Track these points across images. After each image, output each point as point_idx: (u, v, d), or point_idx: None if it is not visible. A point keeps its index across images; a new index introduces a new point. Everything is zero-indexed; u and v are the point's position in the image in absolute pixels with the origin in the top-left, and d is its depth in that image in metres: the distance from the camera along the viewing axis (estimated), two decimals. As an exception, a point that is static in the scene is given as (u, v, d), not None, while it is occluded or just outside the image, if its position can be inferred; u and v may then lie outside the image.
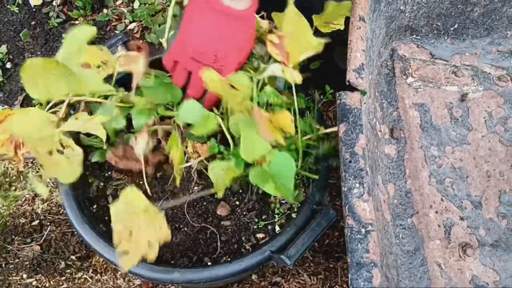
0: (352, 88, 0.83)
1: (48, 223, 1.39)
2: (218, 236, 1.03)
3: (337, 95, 0.82)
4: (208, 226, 1.04)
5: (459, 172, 1.05)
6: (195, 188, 1.07)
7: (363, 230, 0.69)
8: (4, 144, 0.82)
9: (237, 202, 1.07)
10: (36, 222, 1.40)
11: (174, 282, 0.92)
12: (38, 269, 1.34)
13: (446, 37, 1.16)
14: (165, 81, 0.93)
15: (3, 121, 0.77)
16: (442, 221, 1.00)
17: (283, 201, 1.06)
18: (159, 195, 1.08)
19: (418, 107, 1.11)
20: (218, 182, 0.88)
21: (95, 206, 1.06)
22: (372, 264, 0.64)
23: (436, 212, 1.01)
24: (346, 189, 0.73)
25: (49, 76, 0.76)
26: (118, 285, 1.32)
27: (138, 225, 0.80)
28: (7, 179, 1.47)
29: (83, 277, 1.33)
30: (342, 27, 0.95)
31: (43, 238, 1.37)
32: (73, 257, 1.35)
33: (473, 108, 1.12)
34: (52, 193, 1.45)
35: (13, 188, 1.46)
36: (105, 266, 1.34)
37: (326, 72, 1.11)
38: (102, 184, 1.09)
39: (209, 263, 1.01)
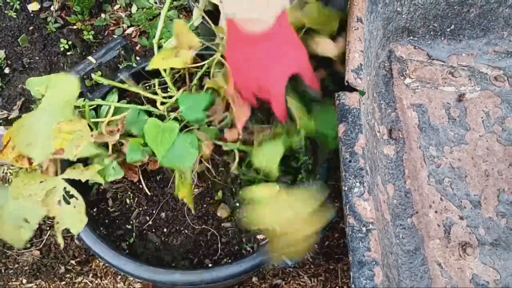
0: (351, 89, 0.84)
1: (48, 228, 1.39)
2: (218, 238, 1.04)
3: (336, 95, 0.83)
4: (209, 228, 1.05)
5: (458, 172, 1.06)
6: (195, 190, 1.07)
7: (364, 228, 0.69)
8: (18, 159, 0.84)
9: (237, 204, 1.07)
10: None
11: (175, 284, 0.92)
12: (38, 274, 1.34)
13: (442, 38, 1.17)
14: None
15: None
16: (442, 220, 1.00)
17: None
18: (159, 198, 1.08)
19: (416, 107, 1.12)
20: (271, 163, 0.89)
21: (95, 210, 1.07)
22: (374, 262, 0.65)
23: (436, 211, 1.02)
24: (346, 188, 0.73)
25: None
26: (118, 289, 1.32)
27: None
28: (6, 184, 1.47)
29: (83, 281, 1.33)
30: None
31: (42, 243, 1.37)
32: (73, 261, 1.34)
33: (470, 108, 1.12)
34: (51, 197, 1.44)
35: (12, 193, 1.46)
36: (105, 270, 1.34)
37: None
38: (101, 187, 1.09)
39: (210, 265, 1.01)
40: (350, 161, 0.76)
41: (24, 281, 1.32)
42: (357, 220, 0.70)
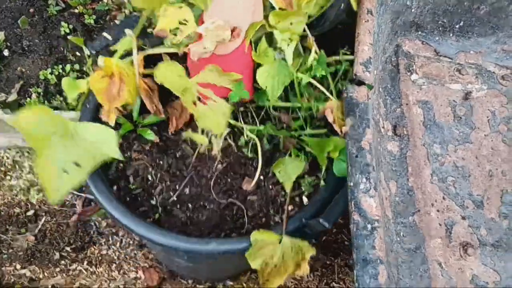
0: (359, 82, 0.82)
1: (43, 214, 1.38)
2: (245, 211, 1.03)
3: (344, 88, 0.81)
4: (235, 201, 1.03)
5: (461, 171, 1.04)
6: (218, 166, 1.06)
7: (369, 226, 0.68)
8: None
9: (262, 177, 1.06)
10: (31, 212, 1.38)
11: (210, 253, 0.91)
12: (32, 259, 1.32)
13: (451, 35, 1.15)
14: None
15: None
16: (444, 220, 0.99)
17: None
18: (182, 173, 1.07)
19: (421, 104, 1.10)
20: (288, 178, 0.98)
21: (115, 188, 1.05)
22: (378, 260, 0.63)
23: (438, 210, 1.00)
24: (352, 184, 0.72)
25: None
26: (113, 277, 1.30)
27: (280, 256, 0.93)
28: (2, 168, 1.45)
29: (77, 268, 1.31)
30: None
31: (38, 229, 1.35)
32: (68, 248, 1.33)
33: (476, 106, 1.11)
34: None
35: (8, 177, 1.44)
36: (100, 258, 1.33)
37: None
38: (121, 165, 1.08)
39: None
40: (356, 156, 0.74)
41: (18, 266, 1.31)
42: (362, 217, 0.68)
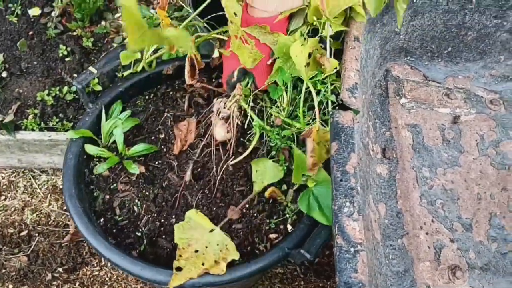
0: (345, 107, 0.84)
1: (37, 234, 1.38)
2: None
3: (330, 113, 0.83)
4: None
5: (450, 194, 1.05)
6: (204, 195, 1.08)
7: (352, 249, 0.69)
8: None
9: (247, 205, 1.07)
10: (24, 233, 1.38)
11: (194, 286, 0.91)
12: (24, 280, 1.32)
13: (439, 60, 1.17)
14: None
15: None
16: (432, 242, 1.00)
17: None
18: (168, 203, 1.08)
19: (410, 127, 1.12)
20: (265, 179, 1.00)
21: (102, 220, 1.05)
22: (360, 284, 0.64)
23: (427, 233, 1.01)
24: (336, 207, 0.73)
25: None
26: (105, 299, 1.30)
27: (206, 244, 0.92)
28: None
29: (69, 289, 1.31)
30: None
31: (31, 249, 1.35)
32: (60, 269, 1.33)
33: (465, 130, 1.12)
34: (42, 203, 1.43)
35: (3, 197, 1.45)
36: (92, 279, 1.33)
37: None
38: (107, 196, 1.08)
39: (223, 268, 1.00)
40: (341, 180, 0.75)
41: (11, 286, 1.31)
42: (345, 241, 0.69)
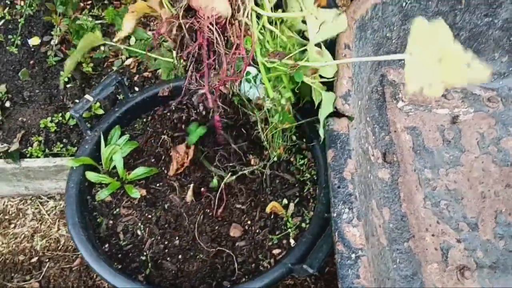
0: (340, 114, 0.84)
1: (47, 260, 1.39)
2: (234, 258, 1.03)
3: (325, 121, 0.83)
4: (223, 249, 1.04)
5: (454, 194, 1.05)
6: (206, 214, 1.08)
7: (353, 255, 0.69)
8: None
9: (249, 222, 1.07)
10: (35, 259, 1.39)
11: None
12: (37, 306, 1.33)
13: (434, 61, 1.17)
14: None
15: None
16: (439, 244, 0.99)
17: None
18: (171, 225, 1.09)
19: (410, 130, 1.12)
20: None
21: (107, 245, 1.06)
22: (363, 289, 0.64)
23: (433, 235, 1.01)
24: (335, 214, 0.73)
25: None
26: (118, 321, 1.30)
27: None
28: (6, 217, 1.48)
29: (81, 314, 1.32)
30: None
31: (42, 275, 1.36)
32: (71, 294, 1.34)
33: (465, 130, 1.12)
34: (51, 229, 1.45)
35: (12, 225, 1.47)
36: (104, 302, 1.33)
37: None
38: (111, 222, 1.09)
39: (228, 287, 1.00)
40: (339, 187, 0.76)
41: (24, 314, 1.32)
42: (346, 247, 0.69)
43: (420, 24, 0.77)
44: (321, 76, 0.87)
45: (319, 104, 0.85)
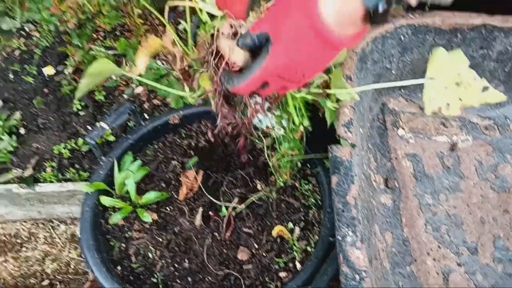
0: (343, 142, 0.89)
1: (58, 283, 1.42)
2: (242, 280, 1.06)
3: (329, 148, 0.88)
4: (231, 272, 1.07)
5: (454, 219, 1.08)
6: (214, 238, 1.11)
7: (357, 277, 0.72)
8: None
9: (256, 245, 1.11)
10: (46, 282, 1.43)
11: None
12: (47, 329, 1.36)
13: (433, 91, 1.22)
14: None
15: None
16: (440, 268, 1.02)
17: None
18: (181, 248, 1.12)
19: (410, 157, 1.16)
20: None
21: (119, 268, 1.10)
22: (366, 309, 0.67)
23: (434, 259, 1.04)
24: (340, 237, 0.77)
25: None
26: None
27: None
28: (18, 241, 1.52)
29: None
30: None
31: (53, 298, 1.40)
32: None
33: (463, 157, 1.16)
34: (62, 252, 1.48)
35: (24, 249, 1.50)
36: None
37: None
38: (123, 245, 1.13)
39: None
40: (343, 211, 0.80)
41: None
42: (350, 268, 0.73)
43: (440, 53, 0.83)
44: (337, 100, 0.93)
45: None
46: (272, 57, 0.70)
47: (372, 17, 0.64)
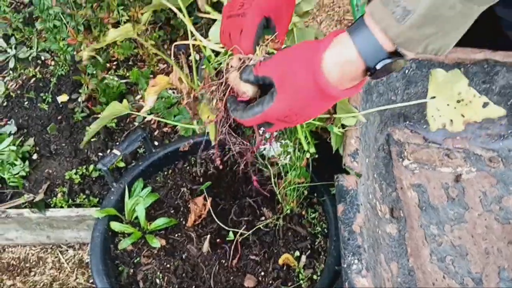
0: (348, 171, 0.91)
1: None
2: None
3: (335, 177, 0.90)
4: None
5: (459, 250, 1.10)
6: (221, 265, 1.13)
7: (362, 304, 0.74)
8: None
9: (262, 273, 1.12)
10: (53, 307, 1.44)
11: None
12: None
13: (437, 123, 1.25)
14: None
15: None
16: (446, 298, 1.03)
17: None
18: (188, 274, 1.14)
19: (415, 187, 1.18)
20: None
21: None
22: (371, 335, 0.68)
23: (439, 289, 1.04)
24: (345, 265, 0.78)
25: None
26: None
27: None
28: (27, 265, 1.53)
29: None
30: None
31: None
32: None
33: (468, 188, 1.18)
34: (69, 277, 1.49)
35: (32, 273, 1.52)
36: None
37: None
38: (132, 270, 1.15)
39: None
40: (348, 239, 0.81)
41: None
42: (355, 296, 0.74)
43: (439, 73, 0.87)
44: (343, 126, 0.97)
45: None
46: (276, 105, 0.74)
47: (374, 73, 0.67)
